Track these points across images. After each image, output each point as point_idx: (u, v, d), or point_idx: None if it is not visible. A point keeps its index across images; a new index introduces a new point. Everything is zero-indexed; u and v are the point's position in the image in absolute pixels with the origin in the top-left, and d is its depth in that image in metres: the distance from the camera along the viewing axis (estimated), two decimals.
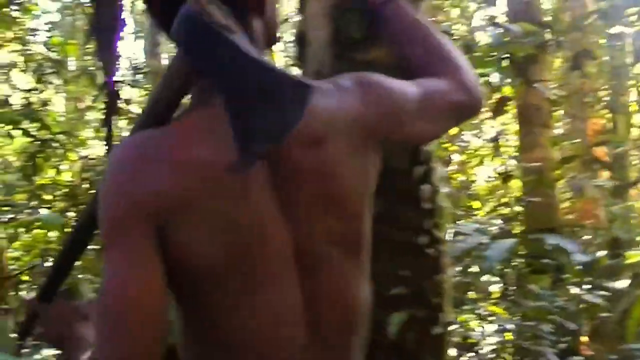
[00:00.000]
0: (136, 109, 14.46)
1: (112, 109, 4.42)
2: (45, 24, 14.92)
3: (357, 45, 3.07)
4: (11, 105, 11.90)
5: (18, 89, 12.74)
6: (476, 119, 10.79)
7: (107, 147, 4.78)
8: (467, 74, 2.23)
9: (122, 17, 4.58)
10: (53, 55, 12.33)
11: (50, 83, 12.64)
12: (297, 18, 3.38)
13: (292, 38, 3.29)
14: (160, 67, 14.10)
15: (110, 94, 4.29)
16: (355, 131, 1.84)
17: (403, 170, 3.08)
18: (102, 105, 4.84)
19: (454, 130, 9.48)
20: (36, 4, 13.94)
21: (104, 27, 4.44)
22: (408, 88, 2.05)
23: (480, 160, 11.70)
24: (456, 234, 5.08)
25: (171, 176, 1.61)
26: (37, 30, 13.60)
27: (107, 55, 4.46)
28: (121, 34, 4.61)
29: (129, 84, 16.56)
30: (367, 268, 1.88)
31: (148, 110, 1.77)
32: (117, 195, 1.62)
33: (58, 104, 16.49)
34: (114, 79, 4.53)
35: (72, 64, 13.58)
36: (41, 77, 11.69)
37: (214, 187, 1.62)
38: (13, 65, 12.82)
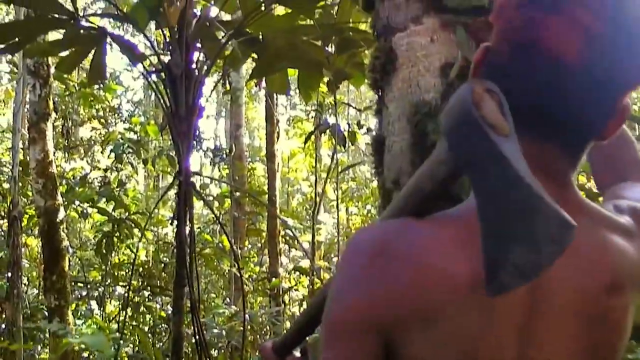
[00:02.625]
0: (215, 189, 14.43)
1: (184, 196, 4.33)
2: (127, 102, 15.07)
3: None
4: (90, 182, 11.98)
5: (97, 167, 12.83)
6: None
7: (177, 233, 4.68)
8: None
9: (200, 103, 4.51)
10: (133, 134, 12.40)
11: (130, 162, 12.72)
12: (375, 121, 3.16)
13: (370, 144, 3.07)
14: (241, 149, 14.15)
15: (184, 181, 4.18)
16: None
17: None
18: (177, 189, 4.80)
19: None
20: (118, 83, 14.11)
21: (180, 115, 4.38)
22: None
23: None
24: None
25: (416, 281, 1.40)
26: (119, 108, 13.72)
27: (183, 143, 4.42)
28: (199, 120, 4.54)
29: (210, 164, 16.68)
30: None
31: (406, 196, 1.57)
32: (343, 295, 1.46)
33: (136, 183, 16.60)
34: (190, 165, 4.46)
35: (152, 144, 13.62)
36: (120, 156, 11.75)
37: (462, 302, 1.40)
38: (93, 143, 12.93)
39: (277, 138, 12.78)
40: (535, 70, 1.43)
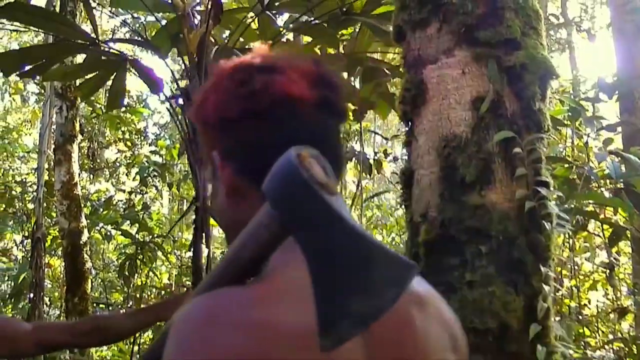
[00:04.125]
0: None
1: (201, 222, 4.31)
2: (154, 125, 15.11)
3: (471, 187, 2.76)
4: (114, 204, 11.99)
5: (122, 189, 12.86)
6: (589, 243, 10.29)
7: (194, 258, 4.64)
8: None
9: None
10: (158, 157, 12.42)
11: (154, 185, 12.72)
12: (405, 155, 3.12)
13: (399, 177, 3.03)
14: None
15: (201, 207, 4.18)
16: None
17: (517, 329, 2.74)
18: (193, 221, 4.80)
19: (566, 253, 8.99)
20: (145, 106, 14.15)
21: (197, 141, 4.36)
22: None
23: (591, 285, 11.12)
24: None
25: (250, 345, 1.37)
26: (145, 131, 13.75)
27: (200, 169, 4.41)
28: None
29: None
30: None
31: (225, 266, 1.55)
32: None
33: (161, 206, 16.61)
34: (207, 190, 4.44)
35: (177, 167, 13.63)
36: (145, 179, 11.76)
37: (296, 352, 1.38)
38: (119, 165, 12.96)
39: None
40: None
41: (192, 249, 4.65)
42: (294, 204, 1.35)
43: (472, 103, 2.89)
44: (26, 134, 18.02)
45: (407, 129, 3.10)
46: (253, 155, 1.60)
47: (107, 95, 5.58)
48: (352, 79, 5.78)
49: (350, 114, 6.01)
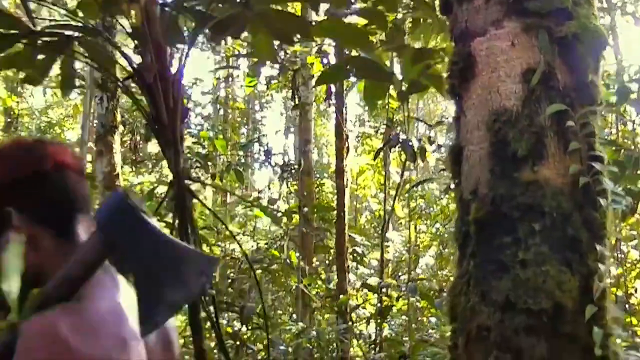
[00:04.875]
0: (282, 204, 14.37)
1: (182, 202, 3.95)
2: (196, 116, 15.10)
3: (522, 162, 2.66)
4: (156, 196, 11.99)
5: (164, 181, 12.85)
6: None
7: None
8: None
9: (183, 105, 4.08)
10: (201, 149, 12.39)
11: (198, 178, 12.70)
12: (453, 131, 3.02)
13: (447, 154, 2.96)
14: (310, 164, 14.11)
15: (177, 186, 3.86)
16: None
17: (572, 310, 2.64)
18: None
19: (612, 240, 8.81)
20: (187, 98, 14.13)
21: (163, 121, 4.03)
22: None
23: (638, 274, 10.92)
24: None
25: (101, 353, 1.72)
26: (188, 123, 13.72)
27: (170, 150, 4.02)
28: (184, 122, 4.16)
29: (278, 179, 16.63)
30: None
31: (56, 284, 1.86)
32: None
33: (204, 198, 16.63)
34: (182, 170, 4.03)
35: (220, 158, 13.62)
36: (188, 170, 11.72)
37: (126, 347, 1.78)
38: (161, 157, 12.95)
39: (347, 154, 12.63)
40: None
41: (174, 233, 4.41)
42: (122, 225, 1.77)
43: (522, 75, 2.79)
44: (68, 129, 18.13)
45: (455, 104, 3.01)
46: (45, 208, 1.97)
47: (60, 80, 5.33)
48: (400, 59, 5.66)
49: (395, 94, 5.89)
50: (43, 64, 5.15)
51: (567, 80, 2.83)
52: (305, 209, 12.76)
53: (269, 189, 19.65)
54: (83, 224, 2.00)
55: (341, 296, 11.34)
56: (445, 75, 3.09)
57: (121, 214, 1.77)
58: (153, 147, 14.10)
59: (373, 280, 11.36)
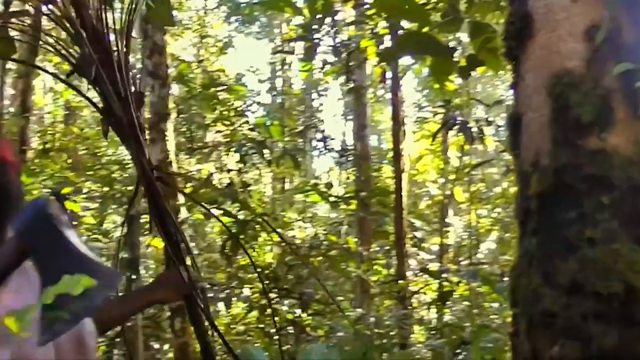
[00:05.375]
0: (340, 191, 14.25)
1: (154, 198, 3.44)
2: (253, 103, 15.00)
3: (588, 129, 2.43)
4: (214, 184, 11.96)
5: (221, 169, 12.81)
6: None
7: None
8: None
9: (134, 89, 3.62)
10: (257, 135, 12.31)
11: (254, 164, 12.64)
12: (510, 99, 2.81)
13: (505, 122, 2.75)
14: (367, 149, 14.01)
15: (144, 179, 3.40)
16: None
17: None
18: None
19: None
20: (243, 85, 14.06)
21: (115, 111, 3.58)
22: None
23: None
24: None
25: None
26: (243, 110, 13.65)
27: (130, 140, 3.54)
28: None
29: (335, 165, 16.52)
30: None
31: None
32: None
33: (263, 186, 16.61)
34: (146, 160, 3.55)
35: (276, 145, 13.53)
36: (244, 157, 11.66)
37: None
38: (217, 145, 12.92)
39: (404, 137, 12.44)
40: None
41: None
42: (39, 234, 1.93)
43: (585, 33, 2.57)
44: None
45: (512, 68, 2.79)
46: None
47: None
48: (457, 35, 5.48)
49: (456, 74, 5.71)
50: None
51: (635, 36, 2.60)
52: (364, 194, 12.63)
53: (328, 176, 19.54)
54: (11, 224, 2.07)
55: (400, 282, 11.19)
56: (501, 37, 2.87)
57: (40, 223, 1.92)
58: (210, 136, 14.05)
59: (433, 266, 11.21)
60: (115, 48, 3.36)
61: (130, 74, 3.41)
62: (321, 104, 23.18)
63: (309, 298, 10.22)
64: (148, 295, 3.00)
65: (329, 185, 13.27)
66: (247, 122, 13.32)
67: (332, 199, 12.82)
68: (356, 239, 12.71)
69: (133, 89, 3.30)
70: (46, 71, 8.60)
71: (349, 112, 20.27)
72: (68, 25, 3.38)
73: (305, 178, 19.22)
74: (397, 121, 12.17)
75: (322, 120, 17.28)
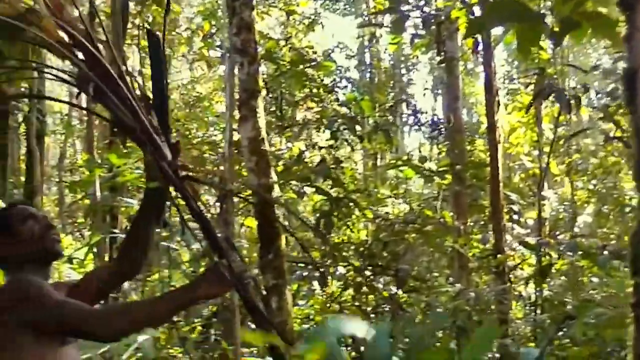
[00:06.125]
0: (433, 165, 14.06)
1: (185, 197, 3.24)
2: (342, 78, 14.88)
3: None
4: (305, 162, 11.88)
5: (312, 146, 12.74)
6: None
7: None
8: None
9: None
10: (347, 111, 12.18)
11: (346, 140, 12.52)
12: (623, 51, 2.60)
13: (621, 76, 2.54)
14: (459, 122, 13.79)
15: (169, 177, 3.20)
16: None
17: None
18: None
19: None
20: (332, 61, 13.94)
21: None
22: None
23: None
24: None
25: None
26: (333, 86, 13.54)
27: (152, 139, 3.33)
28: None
29: (426, 139, 16.30)
30: None
31: None
32: None
33: (354, 163, 16.50)
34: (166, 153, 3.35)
35: (367, 120, 13.39)
36: (335, 133, 11.55)
37: None
38: (307, 122, 12.84)
39: (497, 109, 12.16)
40: None
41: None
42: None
43: None
44: (217, 102, 18.29)
45: (626, 18, 2.58)
46: None
47: None
48: None
49: (548, 37, 5.46)
50: None
51: None
52: (458, 167, 12.42)
53: (420, 151, 19.34)
54: None
55: (498, 256, 10.96)
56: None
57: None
58: (301, 114, 14.00)
59: (530, 239, 10.95)
60: (110, 58, 3.25)
61: (133, 79, 3.29)
62: (410, 79, 23.05)
63: (405, 275, 10.07)
64: (191, 292, 2.97)
65: (423, 159, 13.04)
66: (337, 99, 13.21)
67: (426, 172, 12.61)
68: (451, 214, 12.51)
69: (138, 92, 3.22)
70: (54, 99, 8.62)
71: (439, 86, 20.02)
72: (60, 47, 3.23)
73: (397, 154, 19.06)
74: (491, 92, 11.90)
75: (412, 95, 17.09)
